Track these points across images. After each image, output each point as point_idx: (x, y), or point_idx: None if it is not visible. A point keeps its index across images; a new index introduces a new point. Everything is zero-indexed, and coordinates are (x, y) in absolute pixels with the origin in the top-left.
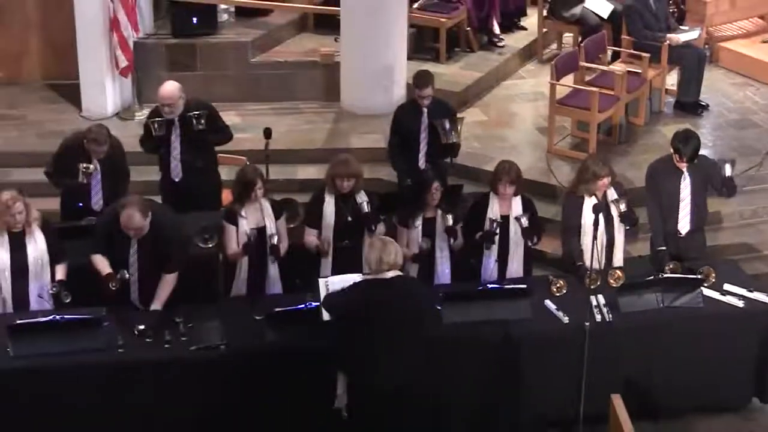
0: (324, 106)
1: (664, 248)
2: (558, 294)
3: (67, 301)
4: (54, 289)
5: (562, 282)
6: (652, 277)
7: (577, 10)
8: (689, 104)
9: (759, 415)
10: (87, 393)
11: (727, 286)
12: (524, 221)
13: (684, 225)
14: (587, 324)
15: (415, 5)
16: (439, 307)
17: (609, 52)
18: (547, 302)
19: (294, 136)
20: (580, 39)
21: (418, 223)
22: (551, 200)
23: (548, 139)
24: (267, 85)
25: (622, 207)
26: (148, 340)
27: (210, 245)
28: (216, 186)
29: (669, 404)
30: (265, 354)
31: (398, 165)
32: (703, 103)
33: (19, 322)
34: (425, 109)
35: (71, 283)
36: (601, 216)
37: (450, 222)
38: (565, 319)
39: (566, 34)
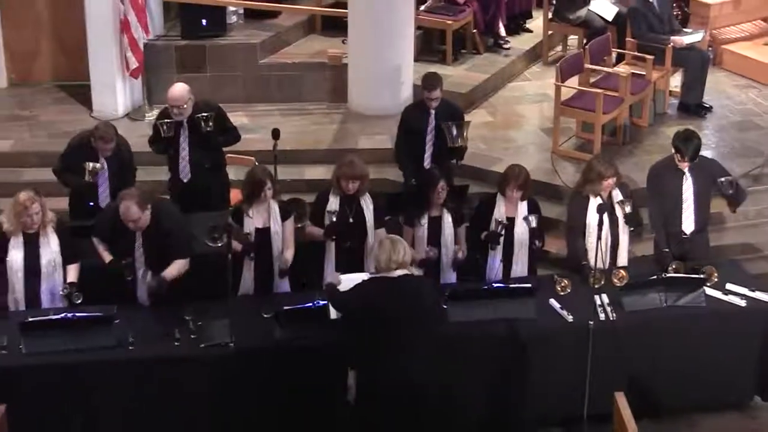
0: (331, 107)
1: (667, 249)
2: (562, 293)
3: (78, 302)
4: (65, 290)
5: (566, 281)
6: (655, 277)
7: (582, 12)
8: (693, 106)
9: (761, 412)
10: (97, 390)
11: (729, 286)
12: (533, 221)
13: (688, 225)
14: (591, 323)
15: (422, 7)
16: (444, 306)
17: (613, 55)
18: (552, 301)
19: (302, 137)
20: (585, 41)
21: (424, 221)
22: (556, 201)
23: (553, 140)
24: (275, 86)
25: (627, 209)
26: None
27: (219, 244)
28: (224, 186)
29: (672, 402)
30: (273, 352)
31: (404, 165)
32: (706, 105)
33: (31, 319)
34: (433, 111)
35: (83, 281)
36: (605, 216)
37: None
38: (570, 318)
39: (571, 37)
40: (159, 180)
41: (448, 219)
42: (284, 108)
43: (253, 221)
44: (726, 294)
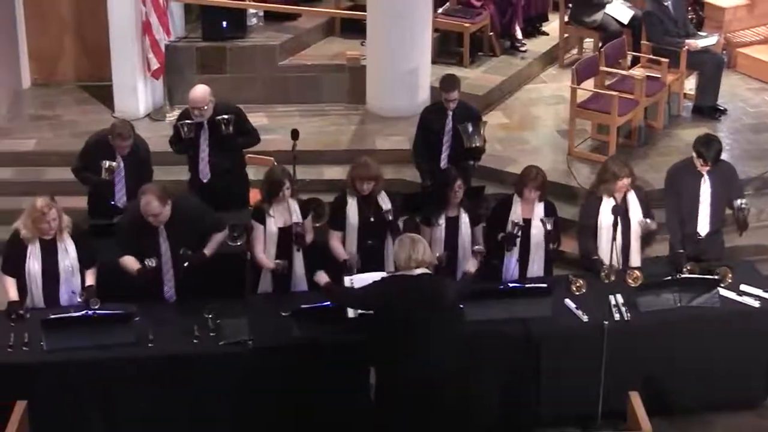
0: (350, 108)
1: (682, 251)
2: (578, 293)
3: (96, 307)
4: (83, 295)
5: (581, 281)
6: (669, 278)
7: (598, 16)
8: (707, 108)
9: None
10: (117, 387)
11: (743, 287)
12: (549, 224)
13: (704, 227)
14: (606, 323)
15: (440, 10)
16: (461, 306)
17: (629, 57)
18: (567, 301)
19: (320, 138)
20: (600, 44)
21: (442, 221)
22: (571, 202)
23: (569, 141)
24: (295, 87)
25: (653, 226)
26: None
27: (238, 243)
28: (243, 186)
29: (686, 401)
30: (291, 350)
31: (421, 165)
32: (720, 108)
33: (52, 316)
34: (450, 113)
35: (105, 279)
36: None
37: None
38: (585, 318)
39: (587, 40)
40: (179, 180)
41: (465, 219)
42: (303, 109)
43: (274, 221)
44: (740, 295)
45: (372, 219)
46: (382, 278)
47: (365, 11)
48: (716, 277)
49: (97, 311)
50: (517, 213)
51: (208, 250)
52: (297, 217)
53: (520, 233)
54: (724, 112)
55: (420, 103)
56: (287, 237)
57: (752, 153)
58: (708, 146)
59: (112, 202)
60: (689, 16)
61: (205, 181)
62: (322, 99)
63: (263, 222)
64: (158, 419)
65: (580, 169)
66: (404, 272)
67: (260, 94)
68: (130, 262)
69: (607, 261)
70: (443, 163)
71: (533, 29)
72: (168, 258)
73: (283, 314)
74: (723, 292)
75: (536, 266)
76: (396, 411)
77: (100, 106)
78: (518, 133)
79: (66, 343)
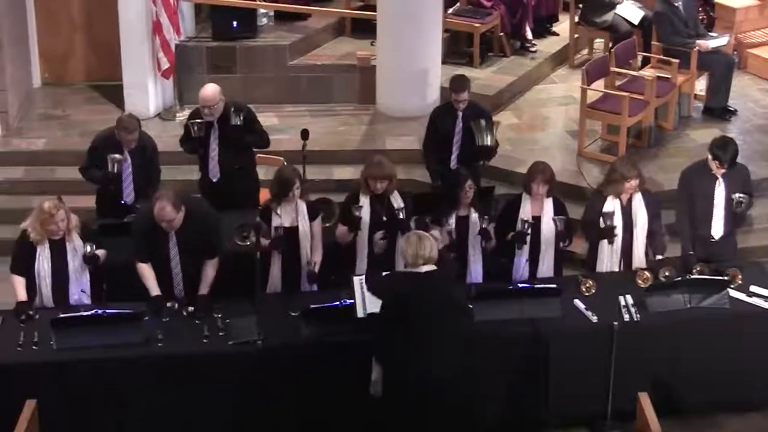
0: (360, 108)
1: (692, 252)
2: (587, 294)
3: (101, 253)
4: (89, 248)
5: (591, 282)
6: (679, 279)
7: (608, 16)
8: (717, 109)
9: None
10: (126, 385)
11: (753, 288)
12: (560, 224)
13: (717, 230)
14: (616, 323)
15: (450, 10)
16: (470, 306)
17: (639, 58)
18: (577, 302)
19: (330, 138)
20: (611, 45)
21: (452, 221)
22: (581, 202)
23: (579, 142)
24: (305, 87)
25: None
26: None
27: (247, 243)
28: (253, 186)
29: (695, 403)
30: (300, 349)
31: (431, 166)
32: (731, 108)
33: (62, 316)
34: (460, 113)
35: (115, 279)
36: (620, 220)
37: (485, 224)
38: (594, 319)
39: (597, 40)
40: (189, 180)
41: (475, 218)
42: (313, 109)
43: (281, 220)
44: (750, 296)
45: (384, 218)
46: (389, 274)
47: (375, 11)
48: (726, 278)
49: (107, 311)
50: (526, 211)
51: (205, 290)
52: (304, 218)
53: (530, 231)
54: (734, 112)
55: (430, 103)
56: (294, 237)
57: (762, 153)
58: (725, 149)
59: (122, 201)
60: (700, 17)
61: (214, 180)
62: (333, 99)
63: (269, 221)
64: (167, 418)
65: (590, 169)
66: (412, 269)
67: (270, 94)
68: (148, 275)
69: (607, 263)
70: (453, 163)
71: (543, 30)
72: (177, 262)
73: (292, 314)
74: (733, 293)
75: (546, 264)
76: (403, 407)
77: (110, 105)
78: (528, 133)
79: (75, 343)
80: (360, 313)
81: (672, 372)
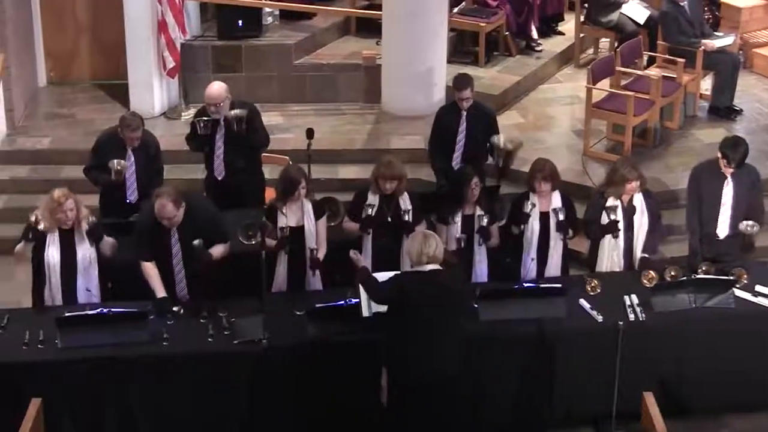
0: (365, 108)
1: (699, 252)
2: (592, 293)
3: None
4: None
5: (596, 281)
6: (685, 278)
7: (614, 16)
8: (723, 109)
9: None
10: (131, 385)
11: (758, 288)
12: (561, 215)
13: (723, 229)
14: (621, 323)
15: (456, 10)
16: (475, 305)
17: (645, 58)
18: (582, 301)
19: (336, 137)
20: (616, 44)
21: (457, 219)
22: (586, 201)
23: (584, 141)
24: (310, 86)
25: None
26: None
27: (253, 242)
28: (259, 185)
29: (700, 402)
30: (305, 349)
31: (436, 165)
32: (736, 108)
33: (67, 314)
34: (464, 112)
35: (120, 278)
36: (622, 220)
37: (485, 222)
38: (600, 318)
39: (603, 40)
40: (195, 178)
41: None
42: (318, 108)
43: (286, 219)
44: (755, 296)
45: (389, 219)
46: (396, 274)
47: (381, 10)
48: (731, 277)
49: (112, 309)
50: (535, 208)
51: (214, 252)
52: (310, 217)
53: (534, 211)
54: (739, 112)
55: (435, 102)
56: (299, 237)
57: (767, 153)
58: (734, 149)
59: (127, 200)
60: (705, 17)
61: (220, 178)
62: (338, 98)
63: (274, 220)
64: (171, 417)
65: (595, 169)
66: (417, 268)
67: (275, 93)
68: (153, 275)
69: (607, 263)
70: (456, 162)
71: (549, 29)
72: (179, 259)
73: (298, 313)
74: (738, 292)
75: (555, 259)
76: (408, 407)
77: (115, 104)
78: (533, 132)
79: (80, 341)
80: (365, 313)
81: (677, 372)
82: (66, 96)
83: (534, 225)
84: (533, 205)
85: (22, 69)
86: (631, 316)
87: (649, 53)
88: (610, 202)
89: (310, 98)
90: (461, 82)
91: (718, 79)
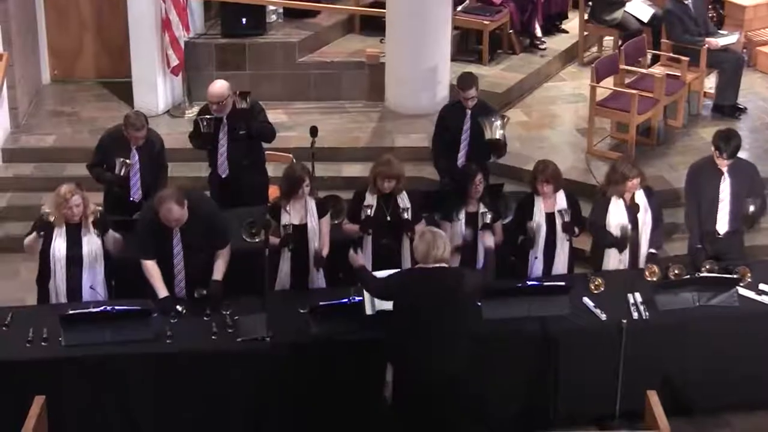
0: (369, 106)
1: (700, 246)
2: (596, 292)
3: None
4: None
5: (600, 280)
6: (689, 276)
7: (618, 14)
8: (727, 107)
9: None
10: (135, 382)
11: (762, 286)
12: (567, 216)
13: (723, 225)
14: (624, 321)
15: (459, 8)
16: (479, 303)
17: (649, 56)
18: (586, 299)
19: (339, 135)
20: (620, 42)
21: (461, 216)
22: (590, 200)
23: (588, 140)
24: (314, 84)
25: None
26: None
27: (256, 240)
28: (263, 183)
29: (704, 401)
30: (309, 346)
31: (440, 164)
32: (740, 106)
33: (71, 312)
34: (469, 111)
35: (122, 276)
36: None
37: (488, 220)
38: (603, 317)
39: (607, 38)
40: (199, 176)
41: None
42: (322, 106)
43: (290, 217)
44: (759, 294)
45: (389, 218)
46: (399, 271)
47: (385, 9)
48: (735, 276)
49: (116, 307)
50: (540, 209)
51: (218, 276)
52: (313, 215)
53: (540, 232)
54: (743, 110)
55: (439, 100)
56: (303, 235)
57: None
58: (727, 141)
59: (131, 198)
60: (710, 15)
61: (223, 176)
62: (342, 96)
63: (278, 218)
64: (175, 415)
65: (599, 167)
66: (421, 265)
67: (279, 91)
68: (154, 273)
69: (613, 261)
70: (460, 161)
71: (553, 27)
72: (180, 259)
73: (301, 311)
74: (742, 291)
75: (562, 258)
76: (411, 406)
77: (119, 102)
78: (537, 131)
79: (84, 339)
80: (369, 310)
81: (681, 370)
82: (70, 94)
83: (540, 226)
84: (538, 226)
85: (26, 67)
86: (635, 315)
87: (653, 51)
88: (614, 205)
89: (314, 96)
90: (466, 81)
91: (722, 77)
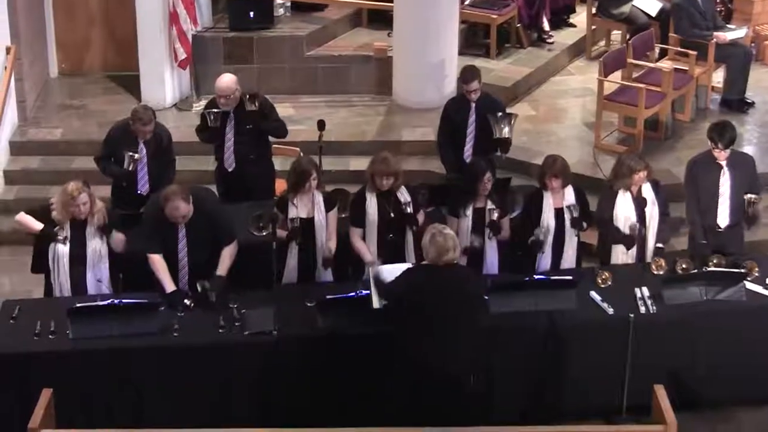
0: (376, 100)
1: (705, 242)
2: (603, 285)
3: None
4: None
5: (607, 274)
6: (696, 271)
7: (626, 8)
8: (735, 101)
9: None
10: (142, 375)
11: None
12: (575, 212)
13: (723, 219)
14: (632, 315)
15: (467, 2)
16: (486, 297)
17: (656, 50)
18: (593, 293)
19: (347, 129)
20: (628, 36)
21: (469, 212)
22: (598, 194)
23: (595, 134)
24: (321, 78)
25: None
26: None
27: (264, 233)
28: (269, 176)
29: (711, 395)
30: (316, 340)
31: (446, 158)
32: (748, 101)
33: (78, 305)
34: (473, 104)
35: (129, 269)
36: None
37: (495, 216)
38: (610, 311)
39: (615, 32)
40: (206, 170)
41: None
42: (330, 100)
43: (297, 211)
44: (767, 288)
45: (392, 215)
46: (409, 268)
47: (392, 2)
48: (743, 270)
49: (123, 300)
50: (549, 204)
51: (222, 272)
52: (321, 209)
53: (547, 236)
54: (751, 104)
55: (447, 94)
56: (310, 228)
57: None
58: (721, 132)
59: (138, 192)
60: (718, 9)
61: (230, 170)
62: (349, 90)
63: (285, 212)
64: (182, 408)
65: (607, 161)
66: (429, 263)
67: (287, 85)
68: (161, 267)
69: (621, 255)
70: (467, 155)
71: (561, 21)
72: (185, 253)
73: (308, 304)
74: (749, 285)
75: (571, 252)
76: (419, 400)
77: (127, 96)
78: (545, 125)
79: (91, 332)
80: (376, 304)
81: (688, 364)
82: (77, 87)
83: (549, 222)
84: (548, 229)
85: (34, 60)
86: (642, 309)
87: (661, 45)
88: (621, 199)
89: (322, 90)
90: (468, 74)
91: (729, 71)
